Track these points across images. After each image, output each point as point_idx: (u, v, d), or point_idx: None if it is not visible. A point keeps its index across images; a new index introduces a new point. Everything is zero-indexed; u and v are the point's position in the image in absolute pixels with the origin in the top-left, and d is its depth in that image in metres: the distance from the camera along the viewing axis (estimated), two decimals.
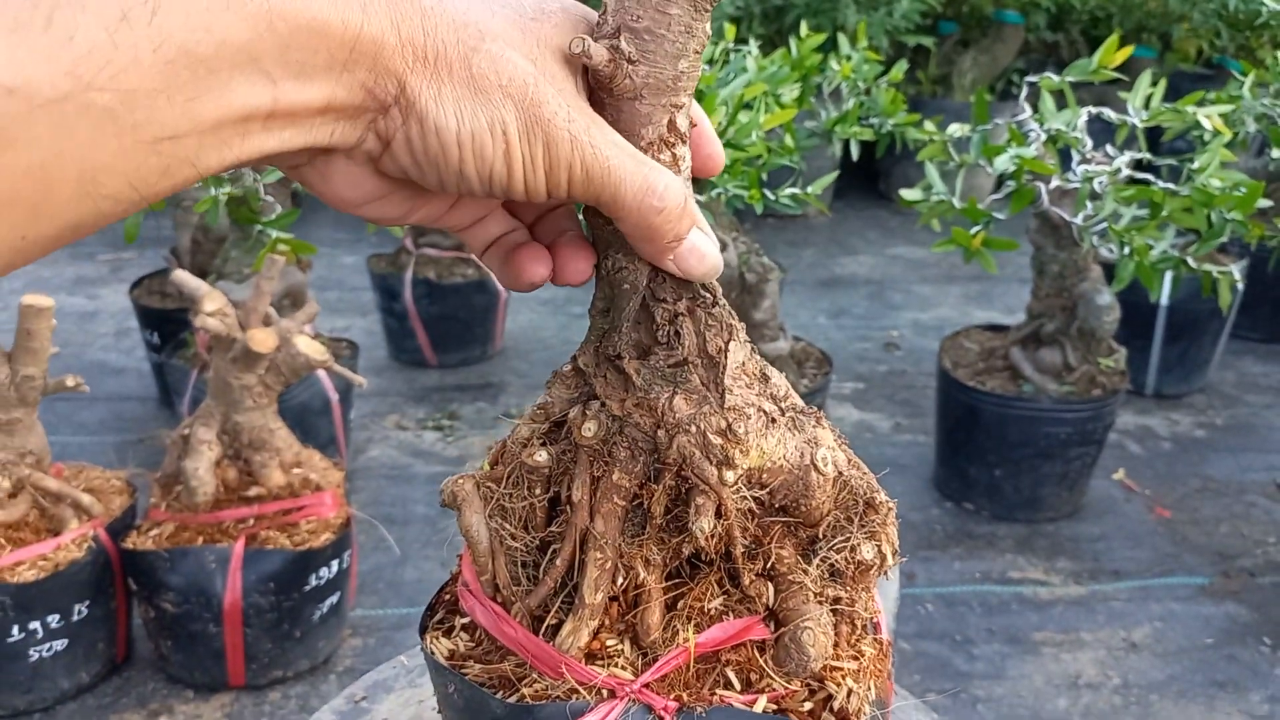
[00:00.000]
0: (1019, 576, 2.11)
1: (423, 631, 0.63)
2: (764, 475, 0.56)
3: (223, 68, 0.37)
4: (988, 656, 1.89)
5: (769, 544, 0.57)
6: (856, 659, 0.60)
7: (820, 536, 0.58)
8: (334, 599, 1.76)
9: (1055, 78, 2.01)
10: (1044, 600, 2.05)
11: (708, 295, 0.56)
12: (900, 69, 2.31)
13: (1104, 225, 1.98)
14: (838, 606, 0.59)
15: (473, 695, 0.57)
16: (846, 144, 2.37)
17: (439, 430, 2.61)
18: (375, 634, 1.89)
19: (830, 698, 0.58)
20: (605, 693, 0.55)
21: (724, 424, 0.54)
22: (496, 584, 0.59)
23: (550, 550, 0.58)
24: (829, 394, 2.40)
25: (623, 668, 0.56)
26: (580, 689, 0.55)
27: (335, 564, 1.72)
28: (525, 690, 0.56)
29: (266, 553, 1.65)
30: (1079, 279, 2.13)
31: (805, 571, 0.57)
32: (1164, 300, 2.71)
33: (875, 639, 0.63)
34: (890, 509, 0.59)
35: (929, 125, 2.23)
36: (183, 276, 1.68)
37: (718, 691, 0.56)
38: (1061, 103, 2.14)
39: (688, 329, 0.55)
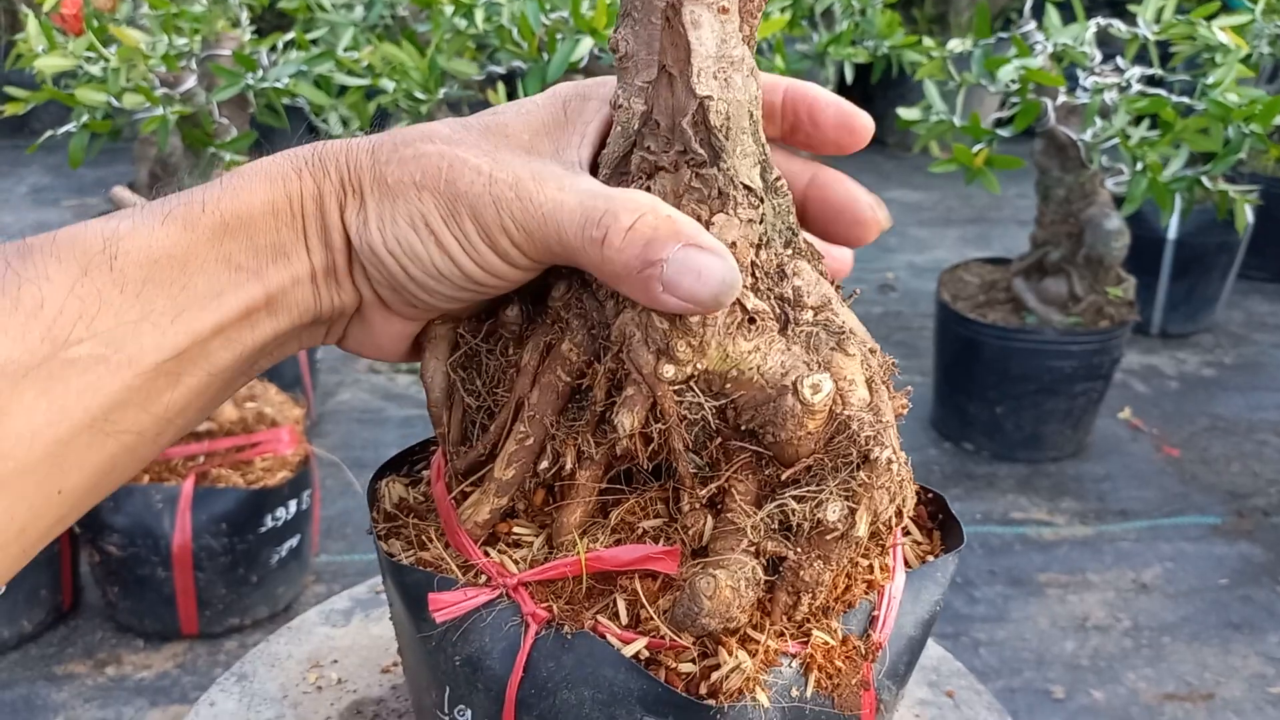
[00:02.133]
0: (1021, 517, 2.01)
1: (384, 471, 0.57)
2: (727, 384, 0.46)
3: (197, 281, 0.39)
4: (989, 599, 1.79)
5: (728, 471, 0.47)
6: (796, 639, 0.47)
7: (788, 479, 0.47)
8: (294, 542, 1.64)
9: None
10: (1048, 541, 1.94)
11: (700, 152, 0.45)
12: None
13: (1114, 142, 1.86)
14: (781, 565, 0.47)
15: (388, 559, 0.51)
16: (841, 72, 2.24)
17: (413, 374, 2.49)
18: (341, 580, 1.78)
19: (715, 667, 0.46)
20: (482, 578, 0.47)
21: None
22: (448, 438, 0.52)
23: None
24: None
25: (517, 561, 0.48)
26: (449, 563, 0.48)
27: (293, 504, 1.61)
28: (423, 552, 0.50)
29: (218, 491, 1.53)
30: (1086, 203, 2.01)
31: (748, 514, 0.46)
32: (1171, 234, 2.60)
33: (861, 635, 0.49)
34: (892, 471, 0.46)
35: (928, 43, 2.10)
36: (121, 193, 1.55)
37: (600, 618, 0.46)
38: (1069, 17, 2.02)
39: (661, 186, 0.45)
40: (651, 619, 0.46)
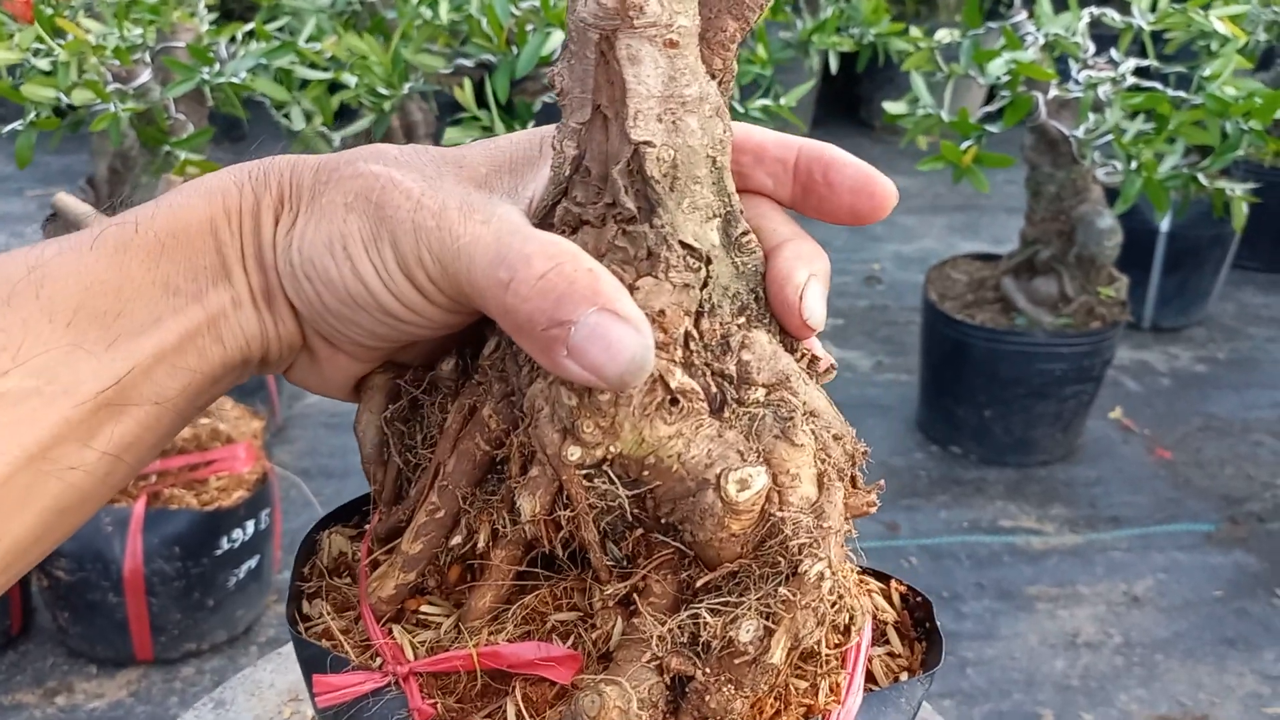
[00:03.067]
0: (1010, 525, 1.95)
1: (331, 519, 0.53)
2: (644, 471, 0.40)
3: (134, 307, 0.37)
4: (977, 614, 1.73)
5: (645, 568, 0.42)
6: None
7: (707, 585, 0.41)
8: (252, 563, 1.57)
9: None
10: (1037, 551, 1.89)
11: (629, 208, 0.40)
12: None
13: (1108, 138, 1.78)
14: (689, 686, 0.40)
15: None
16: (826, 61, 2.16)
17: None
18: None
19: None
20: (377, 660, 0.43)
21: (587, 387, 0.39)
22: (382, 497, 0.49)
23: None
24: None
25: (416, 645, 0.43)
26: (342, 640, 0.44)
27: (250, 525, 1.53)
28: (336, 622, 0.45)
29: (170, 513, 1.46)
30: (1078, 200, 1.94)
31: (658, 621, 0.40)
32: (1164, 227, 2.53)
33: None
34: (822, 590, 0.40)
35: (915, 32, 2.03)
36: (65, 201, 1.47)
37: None
38: (1060, 5, 1.94)
39: (584, 243, 0.40)
40: None
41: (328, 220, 0.39)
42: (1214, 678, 1.60)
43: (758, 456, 0.40)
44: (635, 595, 0.41)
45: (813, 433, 0.41)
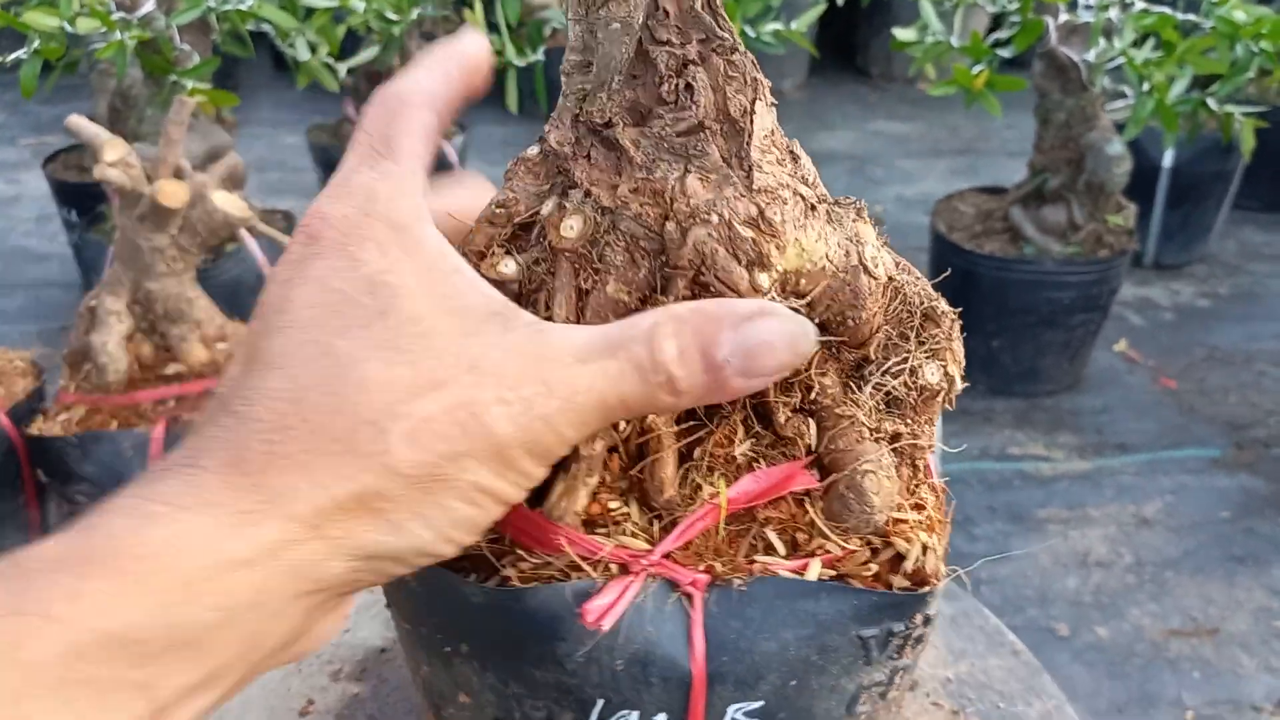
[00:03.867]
0: (1019, 453, 1.97)
1: None
2: (802, 280, 0.42)
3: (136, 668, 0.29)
4: (989, 536, 1.75)
5: (807, 371, 0.44)
6: (920, 508, 0.47)
7: (869, 359, 0.46)
8: None
9: None
10: (1047, 476, 1.90)
11: (726, 36, 0.41)
12: None
13: (1119, 63, 1.78)
14: (897, 444, 0.46)
15: (438, 582, 0.43)
16: None
17: None
18: None
19: (899, 557, 0.45)
20: (615, 568, 0.42)
21: (755, 210, 0.40)
22: None
23: None
24: None
25: (633, 535, 0.43)
26: (582, 564, 0.42)
27: None
28: (509, 571, 0.42)
29: None
30: (1087, 127, 1.94)
31: (856, 403, 0.45)
32: (1167, 162, 2.54)
33: (931, 484, 0.50)
34: (954, 320, 0.47)
35: None
36: (79, 122, 1.46)
37: (757, 558, 0.43)
38: None
39: (702, 82, 0.41)
40: (812, 538, 0.44)
41: (443, 487, 0.31)
42: (1224, 593, 1.62)
43: (856, 240, 0.43)
44: (815, 396, 0.44)
45: None
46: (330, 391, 0.30)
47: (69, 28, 1.66)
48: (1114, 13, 1.78)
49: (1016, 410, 2.09)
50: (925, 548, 0.44)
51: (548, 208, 0.42)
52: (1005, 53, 1.79)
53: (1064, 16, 1.85)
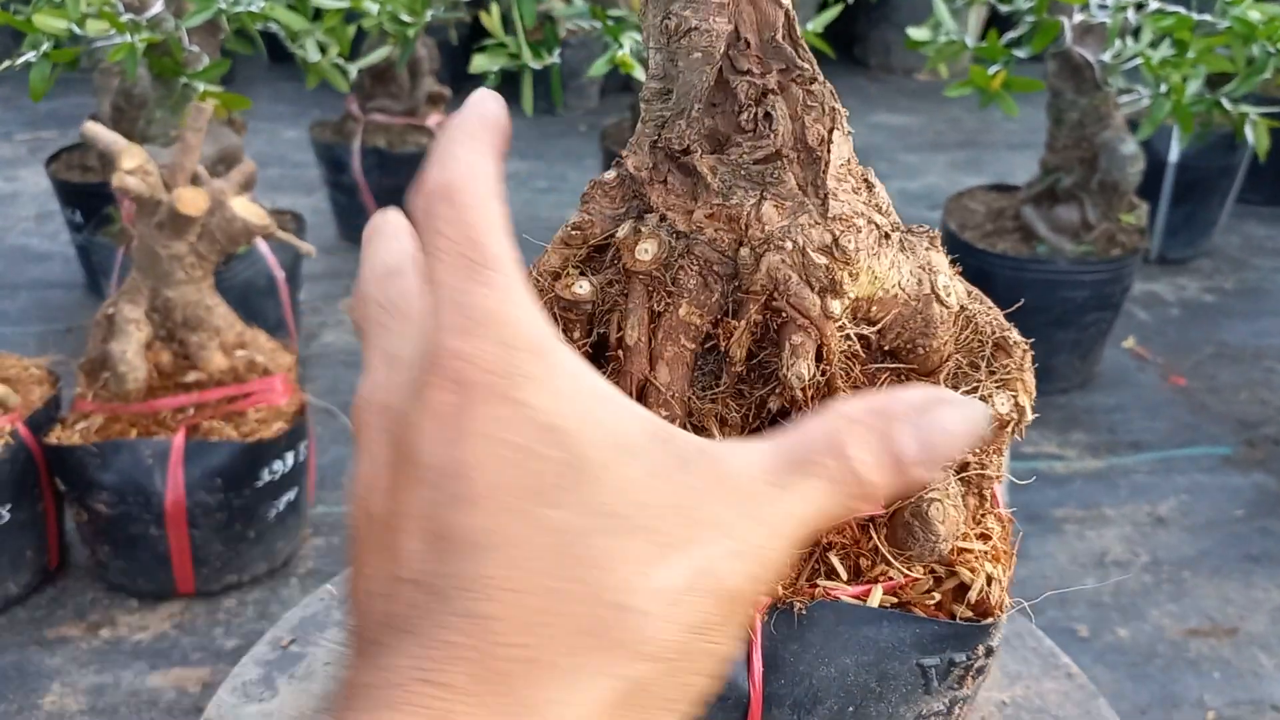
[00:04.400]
0: (1033, 451, 1.97)
1: None
2: (873, 308, 0.43)
3: None
4: None
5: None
6: (985, 538, 0.47)
7: (940, 385, 0.46)
8: (291, 495, 1.57)
9: None
10: (1061, 475, 1.91)
11: (805, 67, 0.43)
12: None
13: (1138, 62, 1.78)
14: (965, 474, 0.48)
15: None
16: None
17: None
18: (339, 532, 1.71)
19: (963, 587, 0.45)
20: None
21: (829, 238, 0.41)
22: None
23: None
24: None
25: None
26: None
27: (290, 456, 1.53)
28: None
29: (211, 445, 1.45)
30: (1100, 127, 1.94)
31: None
32: (1173, 158, 2.54)
33: (997, 513, 0.50)
34: (1026, 351, 0.48)
35: None
36: (95, 129, 1.44)
37: (819, 582, 0.44)
38: None
39: (781, 111, 0.42)
40: (874, 564, 0.44)
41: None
42: (1241, 593, 1.63)
43: (929, 268, 0.44)
44: None
45: None
46: (565, 577, 0.26)
47: (76, 29, 1.64)
48: (1130, 13, 1.78)
49: None
50: (990, 578, 0.45)
51: (623, 230, 0.43)
52: (1021, 53, 1.79)
53: (1079, 17, 1.85)
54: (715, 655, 0.28)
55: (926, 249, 0.46)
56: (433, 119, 2.60)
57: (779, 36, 0.42)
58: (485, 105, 0.33)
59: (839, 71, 4.12)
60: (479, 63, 1.63)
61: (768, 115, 0.42)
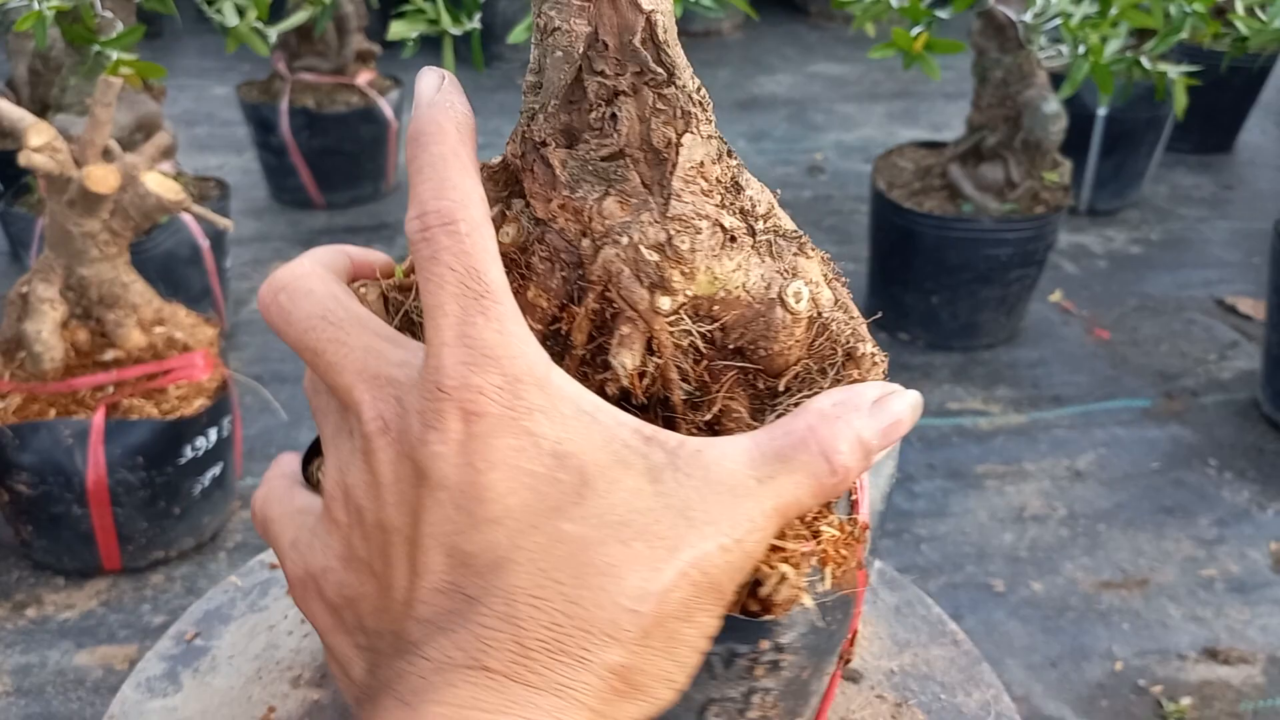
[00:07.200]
0: (958, 407, 2.01)
1: (306, 463, 0.50)
2: (715, 307, 0.45)
3: None
4: (929, 493, 1.79)
5: (717, 392, 0.47)
6: (808, 539, 0.49)
7: (783, 389, 0.48)
8: (216, 470, 1.57)
9: None
10: (984, 431, 1.95)
11: (660, 71, 0.44)
12: None
13: (1055, 23, 1.79)
14: None
15: None
16: None
17: None
18: None
19: (758, 583, 0.47)
20: None
21: (664, 236, 0.43)
22: None
23: None
24: None
25: None
26: None
27: (214, 432, 1.52)
28: None
29: (131, 423, 1.44)
30: (1024, 85, 1.95)
31: (753, 427, 0.47)
32: (1101, 110, 2.57)
33: (849, 520, 0.51)
34: (876, 363, 0.48)
35: None
36: (2, 106, 1.41)
37: None
38: None
39: (628, 112, 0.44)
40: None
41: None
42: (1153, 544, 1.69)
43: (789, 273, 0.46)
44: (720, 417, 0.46)
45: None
46: (584, 585, 0.31)
47: None
48: None
49: (955, 365, 2.13)
50: (783, 578, 0.47)
51: (494, 213, 0.45)
52: (944, 14, 1.79)
53: None
54: (702, 634, 0.33)
55: (795, 255, 0.47)
56: (362, 77, 2.56)
57: (637, 40, 0.43)
58: (455, 108, 0.36)
59: (779, 18, 4.10)
60: (397, 29, 1.60)
61: (614, 116, 0.43)
